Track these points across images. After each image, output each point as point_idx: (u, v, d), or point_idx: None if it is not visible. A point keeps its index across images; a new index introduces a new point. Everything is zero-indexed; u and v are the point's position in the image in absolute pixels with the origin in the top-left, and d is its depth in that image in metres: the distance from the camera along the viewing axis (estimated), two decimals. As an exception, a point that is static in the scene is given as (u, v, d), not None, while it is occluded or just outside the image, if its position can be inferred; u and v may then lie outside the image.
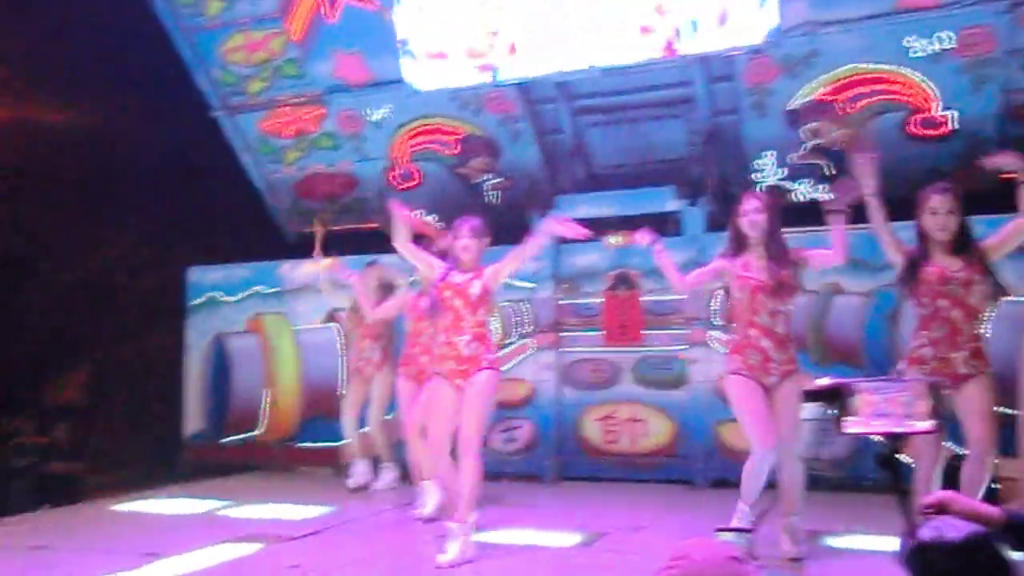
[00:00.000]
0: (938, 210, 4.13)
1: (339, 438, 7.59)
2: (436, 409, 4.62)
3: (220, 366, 8.29)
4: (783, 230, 4.51)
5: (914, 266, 4.17)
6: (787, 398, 4.29)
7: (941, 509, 1.59)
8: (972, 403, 4.06)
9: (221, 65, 8.48)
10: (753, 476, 4.36)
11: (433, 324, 4.76)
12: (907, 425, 1.77)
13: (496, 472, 6.93)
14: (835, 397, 1.82)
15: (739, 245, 4.45)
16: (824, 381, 1.82)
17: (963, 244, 4.14)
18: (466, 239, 4.59)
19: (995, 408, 4.18)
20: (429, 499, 5.52)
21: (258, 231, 9.25)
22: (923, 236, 4.19)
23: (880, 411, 1.76)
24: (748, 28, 6.53)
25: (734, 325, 4.54)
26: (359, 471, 6.77)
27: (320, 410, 7.78)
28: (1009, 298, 4.97)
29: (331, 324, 7.84)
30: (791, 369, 4.37)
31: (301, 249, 8.87)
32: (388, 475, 6.73)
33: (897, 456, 1.78)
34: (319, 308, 7.89)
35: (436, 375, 4.65)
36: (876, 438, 2.50)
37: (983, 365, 4.11)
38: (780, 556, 4.25)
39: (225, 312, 8.31)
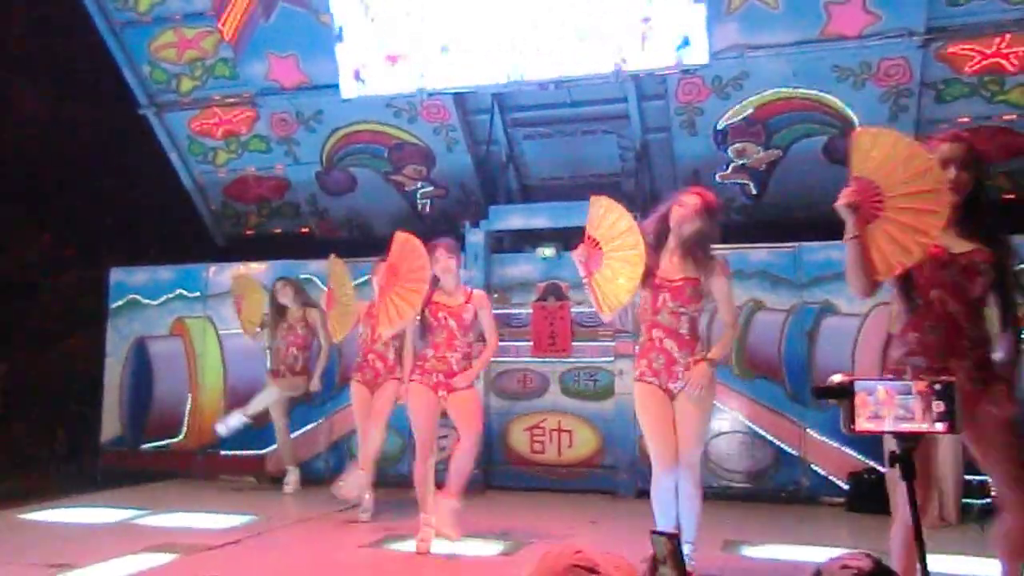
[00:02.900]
0: (944, 160, 2.96)
1: (263, 445, 7.50)
2: (422, 412, 4.94)
3: (141, 370, 8.07)
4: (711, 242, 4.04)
5: None
6: (689, 407, 3.92)
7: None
8: (986, 431, 2.91)
9: (151, 62, 8.30)
10: (657, 502, 3.97)
11: (424, 339, 5.09)
12: (921, 425, 1.78)
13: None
14: (845, 394, 1.83)
15: (660, 239, 4.02)
16: (837, 377, 1.84)
17: (978, 221, 2.99)
18: (444, 260, 4.98)
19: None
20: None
21: (186, 233, 9.07)
22: None
23: (888, 411, 1.77)
24: (688, 48, 6.68)
25: (641, 327, 4.10)
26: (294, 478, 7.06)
27: (244, 417, 7.64)
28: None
29: (257, 329, 7.70)
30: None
31: (229, 252, 8.75)
32: (292, 478, 7.01)
33: (911, 456, 1.80)
34: (246, 313, 7.76)
35: (415, 382, 4.95)
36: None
37: (996, 378, 2.95)
38: None
39: (147, 315, 8.10)
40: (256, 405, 6.92)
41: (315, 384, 6.94)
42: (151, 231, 8.97)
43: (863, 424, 1.79)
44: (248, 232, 9.07)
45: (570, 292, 7.04)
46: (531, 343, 7.07)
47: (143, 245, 8.82)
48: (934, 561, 4.04)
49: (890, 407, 1.79)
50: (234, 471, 7.58)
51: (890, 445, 2.34)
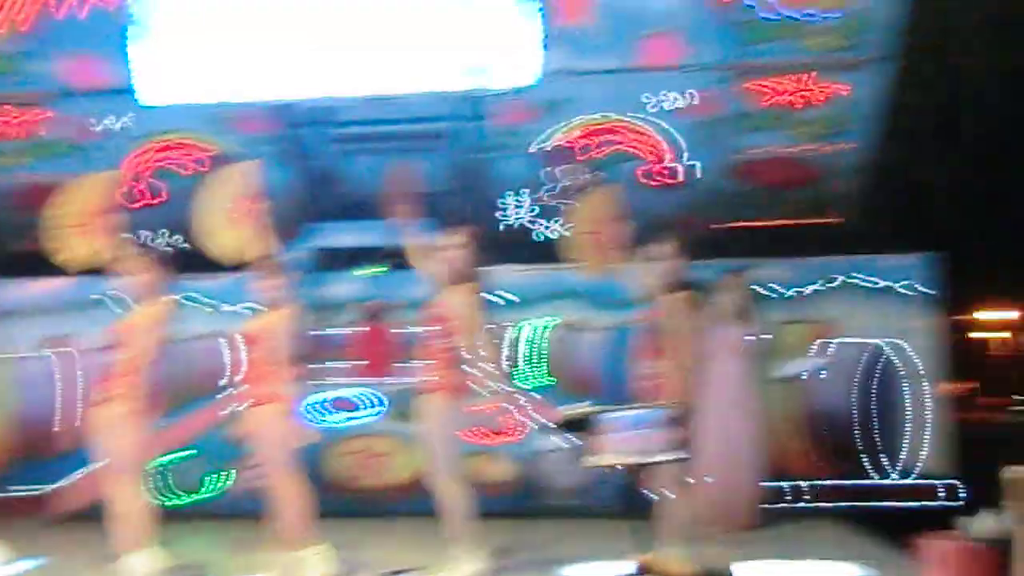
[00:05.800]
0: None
1: (55, 481, 6.84)
2: None
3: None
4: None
5: None
6: (425, 415, 4.68)
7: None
8: None
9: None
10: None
11: None
12: (649, 455, 1.77)
13: (237, 510, 6.51)
14: (585, 426, 1.80)
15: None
16: (582, 408, 1.80)
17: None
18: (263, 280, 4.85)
19: None
20: None
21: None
22: None
23: (624, 441, 1.74)
24: (510, 70, 6.79)
25: None
26: None
27: (34, 450, 6.96)
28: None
29: (47, 352, 7.05)
30: (432, 387, 4.68)
31: (14, 268, 7.90)
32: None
33: (639, 485, 1.80)
34: (33, 335, 7.04)
35: None
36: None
37: None
38: None
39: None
40: None
41: None
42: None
43: (606, 459, 1.81)
44: (33, 247, 8.22)
45: (393, 312, 6.91)
46: (352, 365, 6.87)
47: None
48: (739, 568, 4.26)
49: (629, 439, 1.81)
50: (21, 511, 6.85)
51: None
